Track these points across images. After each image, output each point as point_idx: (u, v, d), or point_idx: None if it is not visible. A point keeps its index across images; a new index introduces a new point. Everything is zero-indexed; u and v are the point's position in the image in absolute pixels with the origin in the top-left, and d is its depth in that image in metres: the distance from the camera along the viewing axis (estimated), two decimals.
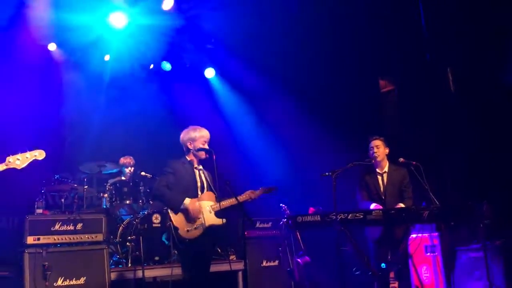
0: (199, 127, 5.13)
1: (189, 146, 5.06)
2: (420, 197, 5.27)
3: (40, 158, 4.10)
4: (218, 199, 5.02)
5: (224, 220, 5.03)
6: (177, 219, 4.86)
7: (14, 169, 4.01)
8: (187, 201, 4.85)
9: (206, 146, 5.03)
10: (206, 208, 4.98)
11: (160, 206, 6.88)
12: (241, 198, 5.06)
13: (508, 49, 6.61)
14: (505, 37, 6.63)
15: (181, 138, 5.15)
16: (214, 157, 4.96)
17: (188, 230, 4.85)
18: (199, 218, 4.90)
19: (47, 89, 7.31)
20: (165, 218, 6.66)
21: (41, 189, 6.46)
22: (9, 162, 3.99)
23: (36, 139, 4.36)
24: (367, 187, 5.66)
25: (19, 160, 4.03)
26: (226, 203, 5.05)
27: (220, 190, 5.01)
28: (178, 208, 4.85)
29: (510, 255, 5.75)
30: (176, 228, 4.80)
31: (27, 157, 4.06)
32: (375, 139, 5.64)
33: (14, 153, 4.03)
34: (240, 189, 5.26)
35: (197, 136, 5.05)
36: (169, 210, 4.89)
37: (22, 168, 4.03)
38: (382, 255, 5.43)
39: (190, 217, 4.87)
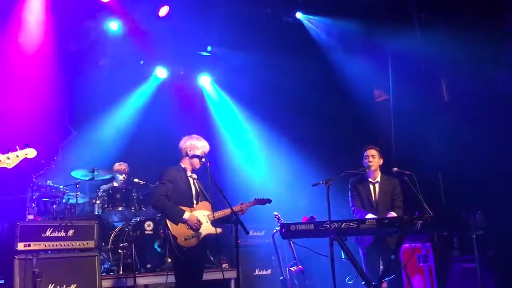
0: (202, 138, 5.25)
1: (188, 152, 5.13)
2: (413, 207, 5.27)
3: (31, 157, 4.03)
4: (214, 208, 5.10)
5: (220, 230, 5.13)
6: (175, 227, 4.89)
7: (4, 168, 3.94)
8: (187, 215, 4.93)
9: (203, 163, 5.11)
10: (202, 218, 5.05)
11: (152, 213, 6.85)
12: (235, 208, 5.13)
13: (502, 58, 6.67)
14: (498, 46, 6.68)
15: (182, 143, 5.22)
16: (208, 164, 5.01)
17: (186, 239, 4.90)
18: (197, 228, 4.97)
19: (40, 91, 7.25)
20: (158, 225, 6.66)
21: (32, 194, 6.40)
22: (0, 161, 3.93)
23: (28, 140, 4.27)
24: (359, 195, 5.68)
25: (10, 159, 3.95)
26: (221, 213, 5.17)
27: (214, 199, 5.05)
28: (178, 219, 4.91)
29: (503, 266, 5.76)
30: (175, 238, 4.84)
31: (17, 156, 3.98)
32: (371, 148, 5.68)
33: (4, 152, 3.95)
34: (234, 197, 5.28)
35: (199, 146, 5.17)
36: (167, 220, 4.90)
37: (13, 167, 3.96)
38: (373, 262, 5.44)
39: (189, 227, 4.94)
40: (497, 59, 6.72)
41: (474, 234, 5.78)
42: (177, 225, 4.89)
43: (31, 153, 4.05)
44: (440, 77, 7.48)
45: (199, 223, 4.97)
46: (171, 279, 5.12)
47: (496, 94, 6.74)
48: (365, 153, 5.66)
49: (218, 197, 4.92)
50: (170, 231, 4.84)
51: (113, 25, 7.67)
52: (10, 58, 6.92)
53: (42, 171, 6.29)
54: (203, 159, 5.08)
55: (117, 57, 8.04)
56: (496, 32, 6.62)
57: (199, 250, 5.06)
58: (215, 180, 4.91)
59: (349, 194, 5.78)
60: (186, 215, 4.92)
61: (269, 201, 5.75)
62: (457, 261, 6.04)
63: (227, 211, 5.14)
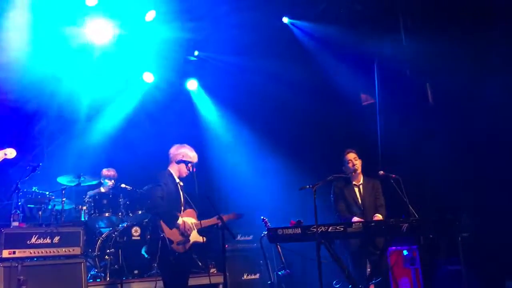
0: (193, 149, 5.33)
1: (177, 157, 5.18)
2: (399, 210, 5.31)
3: (10, 157, 3.98)
4: (198, 217, 5.19)
5: (205, 239, 5.23)
6: (168, 231, 4.91)
7: None
8: (180, 220, 4.99)
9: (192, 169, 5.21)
10: (191, 225, 5.12)
11: (139, 219, 6.81)
12: (211, 221, 5.22)
13: (487, 63, 6.75)
14: (484, 51, 6.77)
15: (173, 150, 5.28)
16: (194, 170, 5.07)
17: (178, 244, 4.96)
18: (189, 235, 5.03)
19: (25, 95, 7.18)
20: (145, 231, 6.63)
21: (17, 200, 6.33)
22: None
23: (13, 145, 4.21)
24: (343, 198, 5.70)
25: None
26: (207, 222, 5.25)
27: (199, 207, 5.17)
28: (173, 224, 4.94)
29: (488, 268, 5.81)
30: (170, 241, 4.86)
31: None
32: (350, 152, 5.73)
33: None
34: (221, 202, 5.33)
35: (191, 156, 5.24)
36: (162, 222, 4.90)
37: None
38: (360, 266, 5.47)
39: (180, 233, 4.98)
40: (483, 64, 6.80)
41: (460, 237, 5.82)
42: (171, 229, 4.91)
43: (11, 153, 4.00)
44: (426, 82, 7.55)
45: (191, 230, 5.02)
46: (160, 285, 5.11)
47: (481, 98, 6.82)
48: (346, 158, 5.70)
49: (202, 205, 4.97)
50: (165, 234, 4.85)
51: (101, 29, 7.62)
52: None
53: (27, 177, 6.23)
54: (190, 164, 5.14)
55: (103, 62, 7.99)
56: (482, 37, 6.71)
57: (188, 256, 5.17)
58: (201, 187, 4.95)
59: (332, 198, 5.80)
60: (180, 220, 4.96)
61: (242, 215, 5.86)
62: (443, 263, 6.09)
63: (213, 220, 5.21)
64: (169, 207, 4.99)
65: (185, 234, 5.00)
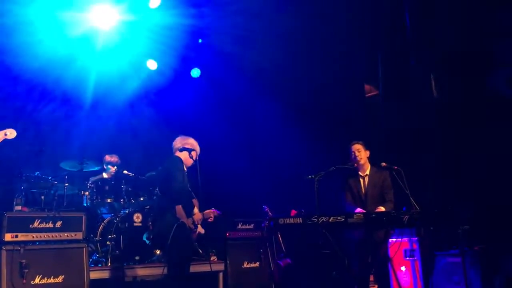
0: (197, 143, 5.30)
1: (179, 146, 5.19)
2: (400, 202, 5.32)
3: (11, 138, 3.94)
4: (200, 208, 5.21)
5: (203, 230, 5.31)
6: (185, 219, 4.93)
7: None
8: (195, 209, 5.06)
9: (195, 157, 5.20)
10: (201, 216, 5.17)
11: (141, 205, 6.84)
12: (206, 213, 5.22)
13: (492, 55, 6.71)
14: (489, 42, 6.73)
15: (174, 142, 5.26)
16: (197, 158, 5.08)
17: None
18: (198, 225, 5.09)
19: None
20: (147, 217, 6.66)
21: (20, 184, 6.37)
22: None
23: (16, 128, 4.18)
24: (350, 189, 5.76)
25: None
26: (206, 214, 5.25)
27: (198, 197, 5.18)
28: (191, 213, 4.99)
29: (488, 260, 5.83)
30: (190, 228, 4.92)
31: None
32: (355, 143, 5.78)
33: None
34: (224, 192, 5.34)
35: (191, 144, 5.23)
36: (181, 209, 4.88)
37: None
38: (363, 256, 5.49)
39: (192, 221, 5.03)
40: (488, 57, 6.76)
41: (460, 229, 5.83)
42: (187, 218, 4.93)
43: (10, 133, 3.96)
44: (430, 73, 7.52)
45: (201, 220, 5.09)
46: (158, 271, 5.16)
47: (486, 91, 6.80)
48: (351, 149, 5.77)
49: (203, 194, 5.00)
50: (185, 221, 4.87)
51: (106, 15, 7.59)
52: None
53: (30, 162, 6.25)
54: (193, 151, 5.13)
55: (108, 48, 7.98)
56: (488, 28, 6.66)
57: (192, 245, 5.26)
58: (204, 177, 4.95)
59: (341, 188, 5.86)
60: (195, 210, 5.01)
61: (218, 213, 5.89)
62: (443, 255, 6.11)
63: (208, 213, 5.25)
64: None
65: (196, 224, 5.01)
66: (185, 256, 4.96)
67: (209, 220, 5.25)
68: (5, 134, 3.92)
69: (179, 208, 4.84)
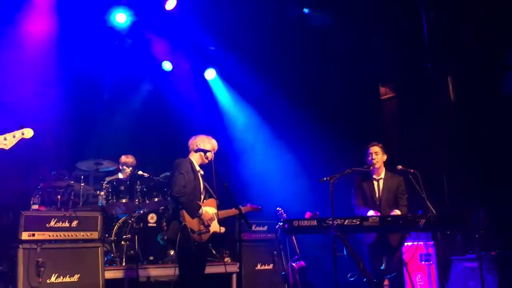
0: (212, 139, 5.32)
1: (195, 146, 5.19)
2: (417, 205, 5.27)
3: (28, 137, 3.96)
4: (219, 207, 5.20)
5: (223, 229, 5.22)
6: (189, 221, 4.93)
7: (2, 149, 3.91)
8: (202, 210, 5.01)
9: (211, 158, 5.18)
10: (212, 215, 5.14)
11: (156, 206, 6.88)
12: (229, 212, 5.25)
13: (508, 59, 6.63)
14: (505, 46, 6.65)
15: (191, 140, 5.28)
16: (212, 159, 5.08)
17: (198, 234, 4.97)
18: (209, 225, 5.05)
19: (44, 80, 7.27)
20: (161, 218, 6.69)
21: (37, 183, 6.44)
22: None
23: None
24: (363, 192, 5.68)
25: (7, 140, 3.89)
26: (226, 213, 5.27)
27: (218, 196, 5.17)
28: (195, 213, 4.96)
29: (505, 266, 5.74)
30: (192, 231, 4.90)
31: (14, 136, 3.91)
32: (374, 145, 5.66)
33: (1, 133, 3.91)
34: (238, 192, 5.33)
35: (208, 145, 5.23)
36: (183, 211, 4.93)
37: (10, 149, 3.91)
38: (376, 260, 5.45)
39: (201, 222, 5.00)
40: (504, 59, 6.68)
41: (477, 233, 5.76)
42: (192, 219, 4.93)
43: (28, 133, 3.99)
44: (447, 76, 7.44)
45: (212, 220, 5.04)
46: (172, 271, 5.15)
47: (502, 93, 6.71)
48: (369, 150, 5.65)
49: (221, 194, 4.97)
50: (186, 223, 4.88)
51: (121, 18, 7.66)
52: (14, 47, 6.93)
53: (47, 162, 6.32)
54: (208, 153, 5.14)
55: (123, 50, 8.04)
56: (505, 32, 6.58)
57: (206, 245, 5.23)
58: (219, 176, 4.95)
59: (353, 190, 5.79)
60: (202, 210, 4.99)
61: (260, 209, 5.88)
62: (460, 260, 6.03)
63: (233, 211, 5.20)
64: (188, 195, 5.00)
65: (206, 224, 5.01)
66: (186, 258, 4.95)
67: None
68: (22, 134, 3.95)
69: (182, 211, 4.92)
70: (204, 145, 5.22)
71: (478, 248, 5.75)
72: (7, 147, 3.91)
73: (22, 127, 3.97)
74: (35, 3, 6.97)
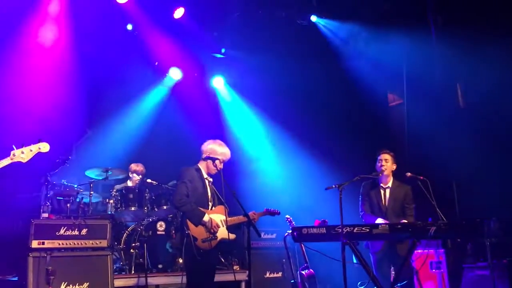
0: (225, 145, 5.29)
1: (208, 154, 5.18)
2: (426, 213, 5.23)
3: (44, 151, 4.03)
4: (229, 214, 5.16)
5: (233, 236, 5.18)
6: (193, 228, 4.93)
7: (19, 163, 3.97)
8: (206, 217, 4.97)
9: (220, 166, 5.17)
10: (220, 222, 5.11)
11: (165, 214, 6.89)
12: (238, 219, 5.24)
13: None
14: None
15: (204, 146, 5.27)
16: (221, 167, 5.09)
17: (203, 241, 4.95)
18: (215, 232, 5.03)
19: (56, 89, 7.33)
20: (170, 225, 6.70)
21: (47, 192, 6.48)
22: (14, 156, 3.92)
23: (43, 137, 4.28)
24: (370, 200, 5.67)
25: (24, 153, 3.96)
26: (235, 219, 5.24)
27: (228, 204, 5.14)
28: (198, 221, 4.94)
29: None
30: (195, 238, 4.88)
31: (31, 150, 3.98)
32: (385, 152, 5.65)
33: (18, 146, 3.98)
34: (246, 200, 5.32)
35: (219, 152, 5.20)
36: (187, 220, 4.93)
37: (27, 162, 3.97)
38: (382, 268, 5.41)
39: (207, 230, 4.98)
40: None
41: (488, 241, 5.70)
42: (196, 226, 4.93)
43: (44, 147, 4.06)
44: (456, 83, 7.40)
45: (217, 227, 5.04)
46: (185, 280, 5.15)
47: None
48: (379, 157, 5.64)
49: (231, 202, 4.95)
50: (190, 232, 4.88)
51: (129, 27, 7.74)
52: (29, 57, 7.01)
53: (57, 170, 6.36)
54: (217, 161, 5.12)
55: (132, 58, 8.10)
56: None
57: (214, 253, 5.17)
58: (228, 184, 4.94)
59: (360, 198, 5.77)
60: (206, 218, 4.97)
61: (278, 213, 5.86)
62: (471, 268, 5.96)
63: (241, 218, 5.19)
64: (195, 204, 5.00)
65: (212, 231, 5.01)
66: (191, 266, 4.95)
67: (253, 221, 5.22)
68: (39, 148, 4.04)
69: (186, 220, 4.94)
70: (215, 153, 5.19)
71: (490, 256, 5.69)
72: (24, 161, 3.99)
73: (39, 141, 4.05)
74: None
